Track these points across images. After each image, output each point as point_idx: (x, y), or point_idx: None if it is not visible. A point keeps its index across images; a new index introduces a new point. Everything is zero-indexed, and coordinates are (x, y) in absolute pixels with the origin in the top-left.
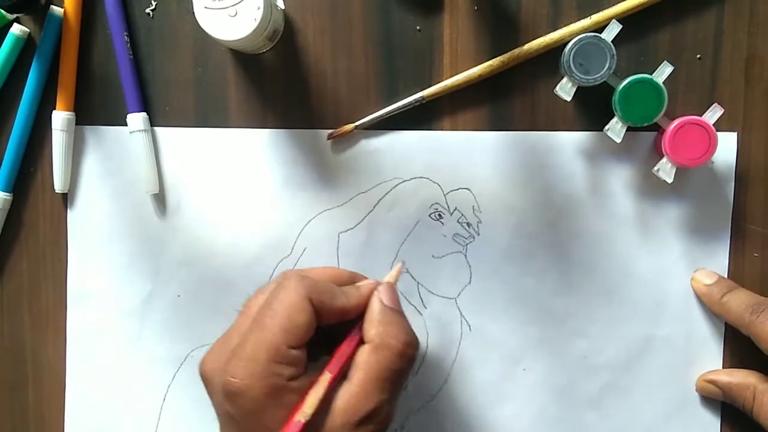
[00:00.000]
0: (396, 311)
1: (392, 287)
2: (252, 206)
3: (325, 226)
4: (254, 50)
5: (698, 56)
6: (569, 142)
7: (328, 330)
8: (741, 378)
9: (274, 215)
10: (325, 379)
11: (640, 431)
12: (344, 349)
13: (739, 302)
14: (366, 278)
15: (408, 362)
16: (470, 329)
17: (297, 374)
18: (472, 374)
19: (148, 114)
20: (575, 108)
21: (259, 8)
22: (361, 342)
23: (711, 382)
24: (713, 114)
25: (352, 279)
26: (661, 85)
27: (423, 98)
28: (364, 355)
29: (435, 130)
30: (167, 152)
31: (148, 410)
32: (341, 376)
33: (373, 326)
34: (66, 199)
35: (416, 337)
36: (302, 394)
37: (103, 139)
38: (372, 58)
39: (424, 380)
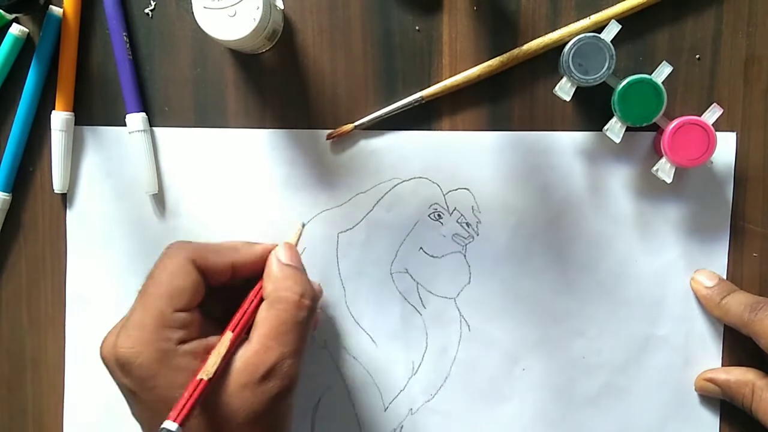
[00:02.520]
0: (293, 267)
1: (291, 246)
2: (251, 206)
3: (324, 227)
4: (253, 50)
5: (697, 56)
6: (568, 142)
7: (233, 293)
8: (739, 375)
9: (274, 215)
10: (227, 338)
11: (638, 431)
12: (245, 308)
13: (738, 303)
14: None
15: (304, 312)
16: (469, 329)
17: (188, 337)
18: (472, 374)
19: (147, 114)
20: (574, 108)
21: (258, 8)
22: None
23: (709, 380)
24: (712, 114)
25: (249, 246)
26: (660, 85)
27: (422, 98)
28: (262, 312)
29: (434, 130)
30: (166, 152)
31: None
32: (244, 337)
33: (270, 282)
34: (65, 200)
35: (312, 288)
36: (197, 356)
37: (102, 139)
38: (371, 58)
39: (423, 380)
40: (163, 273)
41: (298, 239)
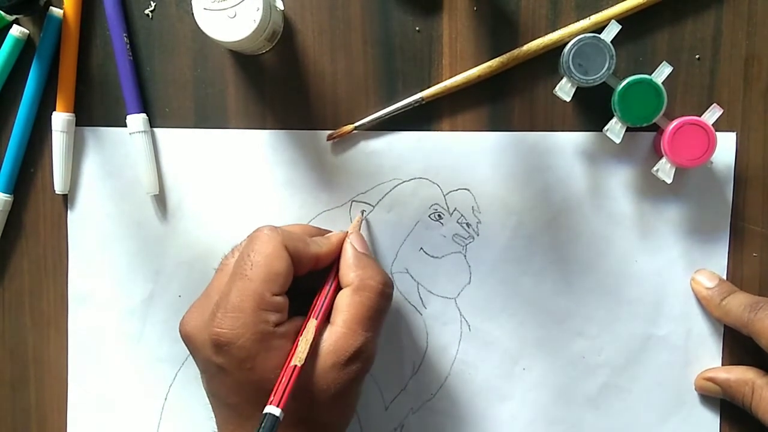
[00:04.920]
0: (368, 256)
1: (361, 235)
2: (252, 207)
3: (324, 227)
4: (253, 51)
5: (697, 57)
6: (568, 142)
7: (298, 284)
8: (739, 374)
9: (274, 216)
10: (312, 324)
11: (639, 430)
12: (324, 294)
13: (738, 304)
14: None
15: (386, 300)
16: (470, 329)
17: (282, 320)
18: (472, 374)
19: (147, 115)
20: (574, 108)
21: (258, 9)
22: (338, 288)
23: (709, 379)
24: (712, 114)
25: (320, 233)
26: (660, 85)
27: (422, 99)
28: (345, 298)
29: (434, 130)
30: (167, 153)
31: (149, 410)
32: (324, 322)
33: (351, 270)
34: (66, 200)
35: (390, 278)
36: (289, 338)
37: (103, 140)
38: (371, 59)
39: (423, 379)
40: (260, 257)
41: (359, 227)
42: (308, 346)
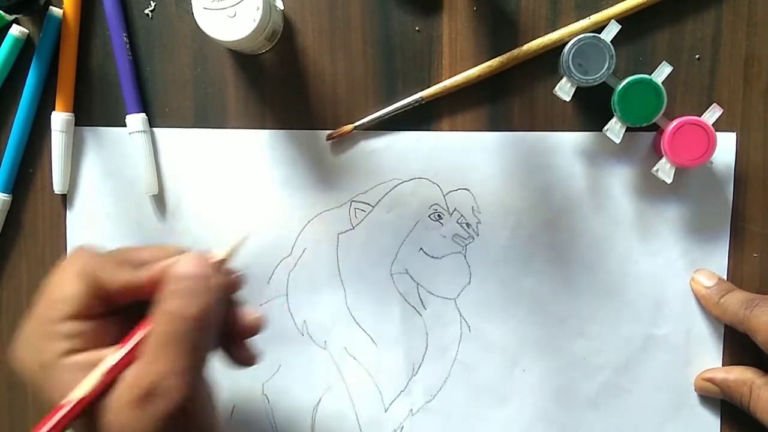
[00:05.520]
0: (185, 279)
1: (194, 258)
2: (251, 207)
3: (324, 227)
4: (253, 51)
5: (697, 56)
6: (568, 142)
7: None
8: (738, 374)
9: (274, 216)
10: (108, 355)
11: (639, 431)
12: (142, 326)
13: (736, 301)
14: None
15: (185, 325)
16: (470, 330)
17: (76, 348)
18: (472, 375)
19: (147, 115)
20: (574, 108)
21: (258, 9)
22: None
23: (708, 380)
24: (712, 114)
25: (167, 255)
26: (660, 85)
27: (422, 99)
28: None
29: (434, 130)
30: (166, 153)
31: None
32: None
33: (163, 290)
34: (65, 200)
35: (202, 300)
36: (87, 369)
37: (103, 140)
38: (371, 59)
39: (423, 380)
40: (50, 283)
41: (233, 251)
42: (95, 379)
